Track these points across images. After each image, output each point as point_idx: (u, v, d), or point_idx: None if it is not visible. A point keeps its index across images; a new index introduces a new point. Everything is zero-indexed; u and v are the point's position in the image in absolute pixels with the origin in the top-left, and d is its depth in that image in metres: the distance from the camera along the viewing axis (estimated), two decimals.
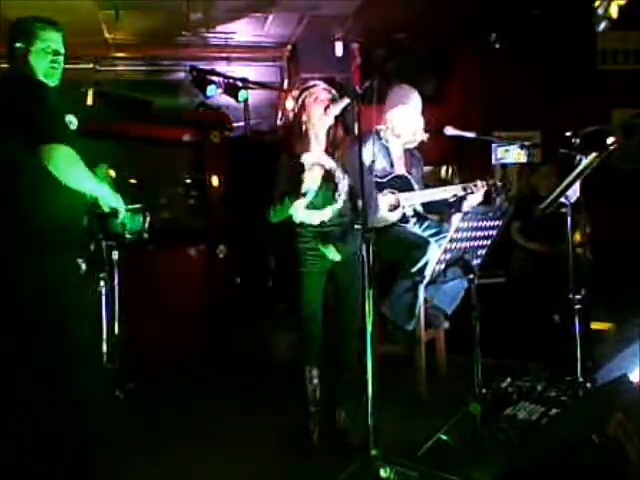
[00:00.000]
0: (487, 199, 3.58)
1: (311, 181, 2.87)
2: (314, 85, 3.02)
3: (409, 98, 3.63)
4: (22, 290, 2.36)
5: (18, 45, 2.45)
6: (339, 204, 2.96)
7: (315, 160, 2.93)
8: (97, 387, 2.51)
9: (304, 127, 3.00)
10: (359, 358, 2.71)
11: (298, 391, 3.00)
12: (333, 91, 3.02)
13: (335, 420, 3.03)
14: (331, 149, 3.01)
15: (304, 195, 2.86)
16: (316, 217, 2.93)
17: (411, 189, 3.62)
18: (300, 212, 2.90)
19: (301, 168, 2.89)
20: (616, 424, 2.05)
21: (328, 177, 2.95)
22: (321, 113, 2.96)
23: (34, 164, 2.27)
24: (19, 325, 2.38)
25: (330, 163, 2.96)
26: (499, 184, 3.56)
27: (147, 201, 3.23)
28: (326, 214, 2.94)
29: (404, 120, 3.63)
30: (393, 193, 3.57)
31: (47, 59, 2.49)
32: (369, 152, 3.52)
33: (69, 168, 2.30)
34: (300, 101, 3.02)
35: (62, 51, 2.53)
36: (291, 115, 3.09)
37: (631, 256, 4.56)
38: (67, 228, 2.40)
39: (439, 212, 3.78)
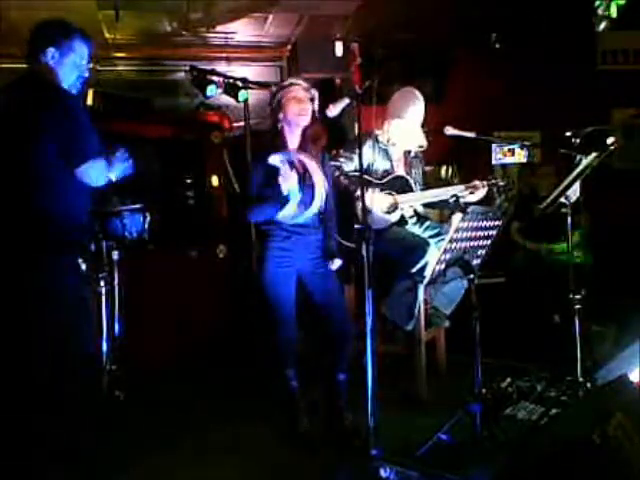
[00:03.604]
0: (488, 199, 3.58)
1: (291, 183, 2.83)
2: (291, 84, 3.02)
3: (406, 112, 3.59)
4: (22, 289, 2.36)
5: (51, 50, 2.40)
6: (316, 206, 2.94)
7: (293, 159, 2.91)
8: (93, 387, 2.52)
9: (279, 125, 3.01)
10: (359, 358, 2.71)
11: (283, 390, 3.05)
12: (312, 90, 3.02)
13: (340, 421, 3.03)
14: (307, 148, 3.00)
15: (287, 200, 2.84)
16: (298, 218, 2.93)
17: (410, 190, 3.62)
18: (289, 216, 2.89)
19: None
20: (616, 424, 2.05)
21: (305, 177, 2.92)
22: (297, 112, 2.96)
23: (45, 167, 2.29)
24: (19, 324, 2.38)
25: (310, 163, 2.93)
26: (501, 183, 3.56)
27: (147, 201, 3.23)
28: (305, 215, 2.93)
29: (400, 133, 3.63)
30: (391, 194, 3.57)
31: (76, 72, 2.48)
32: (367, 156, 3.53)
33: (101, 178, 2.47)
34: (277, 100, 3.02)
35: (87, 66, 2.54)
36: (269, 112, 3.09)
37: (631, 256, 4.56)
38: (68, 228, 2.40)
39: (439, 209, 3.78)
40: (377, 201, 3.50)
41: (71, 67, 2.45)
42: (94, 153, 2.40)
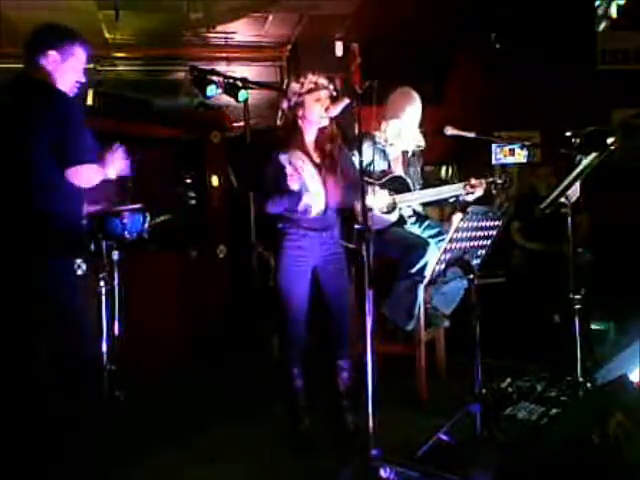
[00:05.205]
0: (488, 197, 3.57)
1: (296, 181, 2.84)
2: (316, 85, 3.01)
3: (403, 112, 3.59)
4: (22, 290, 2.36)
5: (52, 53, 2.42)
6: (317, 208, 2.93)
7: (296, 160, 2.90)
8: (95, 386, 2.52)
9: (298, 123, 3.00)
10: (359, 358, 2.71)
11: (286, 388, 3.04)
12: (332, 89, 3.01)
13: (340, 421, 3.03)
14: (322, 147, 3.01)
15: (300, 196, 2.85)
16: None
17: (408, 190, 3.61)
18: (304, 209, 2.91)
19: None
20: (616, 424, 2.05)
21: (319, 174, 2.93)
22: (320, 113, 2.96)
23: (43, 168, 2.29)
24: (18, 325, 2.38)
25: (309, 167, 2.92)
26: (499, 181, 3.55)
27: (147, 201, 3.22)
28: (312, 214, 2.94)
29: (397, 134, 3.63)
30: (391, 194, 3.57)
31: (75, 77, 2.51)
32: (365, 156, 3.52)
33: (93, 181, 2.47)
34: (299, 99, 3.01)
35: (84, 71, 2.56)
36: (286, 108, 3.07)
37: (631, 256, 4.56)
38: (68, 228, 2.40)
39: (439, 208, 3.77)
40: (376, 201, 3.50)
41: (70, 71, 2.47)
42: (87, 156, 2.40)
